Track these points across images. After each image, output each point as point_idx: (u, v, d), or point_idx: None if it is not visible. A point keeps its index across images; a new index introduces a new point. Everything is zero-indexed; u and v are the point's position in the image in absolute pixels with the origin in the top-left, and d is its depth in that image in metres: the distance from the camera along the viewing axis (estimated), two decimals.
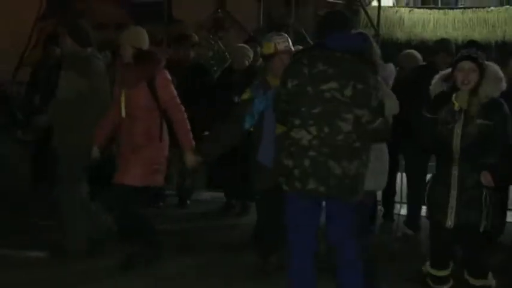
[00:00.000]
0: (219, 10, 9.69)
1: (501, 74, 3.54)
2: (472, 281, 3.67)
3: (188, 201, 6.86)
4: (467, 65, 3.47)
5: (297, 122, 3.23)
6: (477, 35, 8.48)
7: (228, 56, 7.84)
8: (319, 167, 3.17)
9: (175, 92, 4.51)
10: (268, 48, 4.24)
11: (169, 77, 4.53)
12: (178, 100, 4.50)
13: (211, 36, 9.24)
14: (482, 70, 3.47)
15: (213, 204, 6.97)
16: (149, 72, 4.40)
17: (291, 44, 4.36)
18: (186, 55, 6.50)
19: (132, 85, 4.41)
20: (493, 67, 3.59)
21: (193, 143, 4.44)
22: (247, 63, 6.10)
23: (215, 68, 7.82)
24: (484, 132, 3.43)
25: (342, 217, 3.34)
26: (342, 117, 3.17)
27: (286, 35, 4.50)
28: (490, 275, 3.70)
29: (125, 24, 10.64)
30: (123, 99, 4.45)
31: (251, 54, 6.16)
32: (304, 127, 3.20)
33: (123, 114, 4.45)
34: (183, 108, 4.49)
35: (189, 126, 4.46)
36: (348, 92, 3.17)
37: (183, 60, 6.41)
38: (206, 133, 5.09)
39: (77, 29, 4.77)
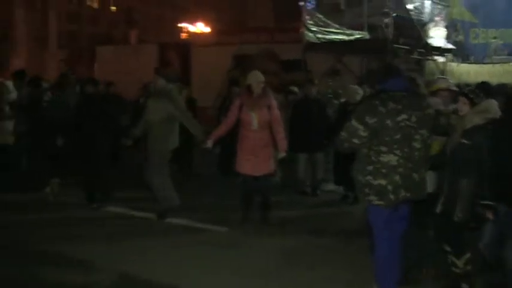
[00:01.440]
0: (337, 62, 14.25)
1: (489, 107, 4.15)
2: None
3: (318, 191, 8.44)
4: (461, 99, 4.27)
5: (384, 148, 3.84)
6: (504, 80, 10.82)
7: (341, 93, 10.29)
8: (407, 179, 3.84)
9: (279, 113, 6.32)
10: (435, 87, 5.02)
11: (276, 103, 6.38)
12: (280, 118, 6.31)
13: (330, 80, 13.76)
14: (472, 104, 4.17)
15: (335, 195, 8.24)
16: (267, 100, 6.25)
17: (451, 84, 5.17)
18: (312, 92, 8.63)
19: (259, 108, 6.19)
20: (485, 103, 4.20)
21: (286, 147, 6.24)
22: (358, 98, 7.43)
23: (334, 101, 10.04)
24: (463, 149, 4.07)
25: (410, 214, 4.10)
26: (414, 139, 3.86)
27: (447, 78, 6.18)
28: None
29: (279, 72, 16.22)
30: (255, 116, 6.14)
31: (361, 92, 7.58)
32: (391, 151, 3.82)
33: (256, 127, 6.18)
34: (282, 123, 6.37)
35: (283, 135, 6.28)
36: (413, 119, 3.86)
37: (308, 95, 8.60)
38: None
39: (164, 71, 6.78)
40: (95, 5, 61.00)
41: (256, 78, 6.25)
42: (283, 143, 6.24)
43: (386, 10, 11.99)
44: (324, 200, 8.15)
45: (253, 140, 6.15)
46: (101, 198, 7.28)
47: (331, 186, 8.47)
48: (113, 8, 61.95)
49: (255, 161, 6.15)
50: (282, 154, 6.29)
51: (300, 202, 7.94)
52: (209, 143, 6.36)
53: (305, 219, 6.95)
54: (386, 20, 11.86)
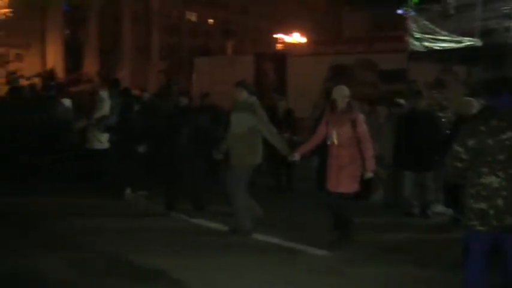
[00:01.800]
0: (444, 71, 13.26)
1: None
2: None
3: (429, 213, 7.80)
4: None
5: (485, 169, 3.64)
6: None
7: (446, 105, 9.52)
8: (511, 203, 3.58)
9: (366, 129, 5.92)
10: None
11: (363, 118, 5.97)
12: (367, 134, 5.90)
13: (435, 92, 12.83)
14: None
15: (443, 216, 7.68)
16: (351, 115, 5.90)
17: None
18: (421, 104, 8.20)
19: (341, 124, 5.88)
20: None
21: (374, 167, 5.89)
22: (473, 111, 6.90)
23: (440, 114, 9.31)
24: None
25: None
26: None
27: None
28: None
29: (377, 82, 15.48)
30: (335, 132, 5.87)
31: (476, 104, 7.07)
32: (493, 173, 3.60)
33: (336, 143, 5.90)
34: (370, 140, 5.94)
35: (372, 153, 5.89)
36: None
37: (416, 107, 8.11)
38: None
39: (247, 85, 6.47)
40: (194, 18, 63.02)
41: (340, 93, 5.95)
42: (370, 162, 5.91)
43: (507, 10, 11.02)
44: (435, 223, 7.52)
45: (336, 157, 5.91)
46: (194, 210, 7.31)
47: (441, 208, 7.88)
48: (211, 20, 63.69)
49: (338, 178, 5.88)
50: (369, 174, 5.92)
51: (407, 225, 7.35)
52: (296, 157, 6.17)
53: (411, 244, 6.41)
54: (507, 24, 10.94)
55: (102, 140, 8.62)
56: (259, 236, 6.35)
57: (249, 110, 6.26)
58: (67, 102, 9.93)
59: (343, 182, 5.83)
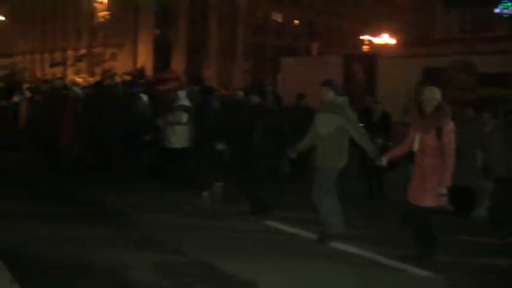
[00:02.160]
0: None
1: None
2: None
3: None
4: None
5: None
6: None
7: None
8: None
9: (453, 140, 5.19)
10: None
11: (452, 127, 5.18)
12: (453, 146, 5.16)
13: None
14: None
15: None
16: (439, 122, 5.18)
17: None
18: None
19: (426, 130, 5.23)
20: None
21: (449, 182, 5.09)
22: None
23: None
24: None
25: None
26: None
27: None
28: None
29: (475, 86, 14.49)
30: (417, 139, 5.27)
31: None
32: None
33: (417, 150, 5.28)
34: (454, 154, 5.17)
35: (451, 168, 5.12)
36: None
37: None
38: None
39: (333, 84, 6.11)
40: (279, 19, 63.19)
41: (428, 95, 5.30)
42: (446, 177, 5.14)
43: None
44: None
45: (420, 166, 5.30)
46: (260, 212, 6.94)
47: None
48: (296, 21, 63.62)
49: (419, 189, 5.26)
50: (442, 190, 5.14)
51: None
52: (383, 161, 5.64)
53: None
54: None
55: (179, 139, 8.55)
56: (346, 246, 5.82)
57: (336, 111, 5.91)
58: (144, 98, 10.02)
59: (424, 194, 5.23)
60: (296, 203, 7.53)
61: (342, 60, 18.54)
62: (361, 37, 48.03)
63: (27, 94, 11.18)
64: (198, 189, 7.86)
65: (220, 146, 7.49)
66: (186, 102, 8.68)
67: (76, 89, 10.45)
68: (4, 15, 49.67)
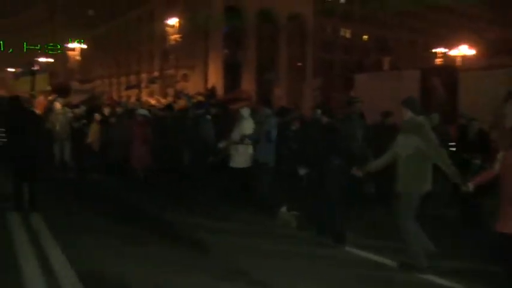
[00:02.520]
0: None
1: None
2: None
3: None
4: None
5: None
6: None
7: None
8: None
9: None
10: None
11: None
12: None
13: None
14: None
15: None
16: None
17: None
18: None
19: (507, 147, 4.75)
20: None
21: None
22: None
23: None
24: None
25: None
26: None
27: None
28: None
29: None
30: (500, 156, 4.74)
31: None
32: None
33: (496, 169, 4.74)
34: None
35: None
36: None
37: None
38: None
39: (411, 103, 5.72)
40: (348, 35, 62.38)
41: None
42: None
43: None
44: None
45: (506, 187, 4.63)
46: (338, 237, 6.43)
47: None
48: (365, 37, 62.59)
49: (506, 215, 4.59)
50: None
51: None
52: (470, 187, 5.06)
53: None
54: None
55: (242, 159, 8.33)
56: (434, 278, 5.26)
57: (414, 130, 5.57)
58: (208, 119, 9.82)
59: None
60: (378, 228, 7.06)
61: (420, 74, 17.55)
62: (435, 50, 46.43)
63: (98, 117, 11.30)
64: (270, 209, 7.51)
65: (301, 171, 6.93)
66: (249, 121, 8.46)
67: (142, 112, 10.37)
68: (85, 43, 52.29)
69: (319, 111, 7.45)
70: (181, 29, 39.55)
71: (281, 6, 44.62)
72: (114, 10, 57.67)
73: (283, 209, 7.36)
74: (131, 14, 54.15)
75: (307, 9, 48.17)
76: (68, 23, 66.54)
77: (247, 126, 8.43)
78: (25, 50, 55.62)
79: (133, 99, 20.43)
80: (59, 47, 51.41)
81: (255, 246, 6.29)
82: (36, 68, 22.54)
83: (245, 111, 8.65)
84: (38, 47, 51.62)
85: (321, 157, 6.54)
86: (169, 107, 11.50)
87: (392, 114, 8.80)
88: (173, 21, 39.14)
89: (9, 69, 41.68)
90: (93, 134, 11.26)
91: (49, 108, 11.83)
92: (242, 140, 8.29)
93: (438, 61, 48.60)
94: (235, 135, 8.35)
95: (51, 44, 51.93)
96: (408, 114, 5.69)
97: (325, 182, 6.44)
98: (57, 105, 11.26)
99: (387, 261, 5.78)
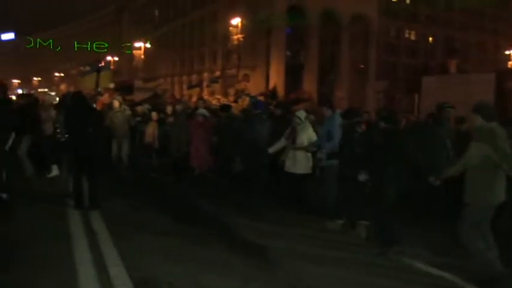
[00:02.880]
0: None
1: None
2: None
3: None
4: None
5: None
6: None
7: None
8: None
9: None
10: None
11: None
12: None
13: None
14: None
15: None
16: None
17: None
18: None
19: None
20: None
21: None
22: None
23: None
24: None
25: None
26: None
27: None
28: None
29: None
30: None
31: None
32: None
33: None
34: None
35: None
36: None
37: None
38: None
39: (482, 109, 5.39)
40: (413, 37, 60.50)
41: None
42: None
43: None
44: None
45: None
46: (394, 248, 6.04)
47: None
48: (431, 38, 60.49)
49: None
50: None
51: None
52: None
53: None
54: None
55: (301, 165, 8.11)
56: None
57: (484, 138, 5.28)
58: (265, 120, 9.45)
59: None
60: (443, 240, 6.61)
61: (495, 77, 16.41)
62: (508, 52, 44.07)
63: (155, 116, 11.15)
64: (330, 217, 7.19)
65: (362, 177, 6.51)
66: (306, 123, 8.28)
67: (202, 112, 10.16)
68: (149, 43, 53.49)
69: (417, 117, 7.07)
70: (243, 29, 39.51)
71: (344, 6, 43.70)
72: (179, 10, 58.62)
73: (363, 222, 6.84)
74: (194, 14, 54.81)
75: (371, 9, 46.92)
76: (134, 23, 68.47)
77: (307, 130, 8.23)
78: (94, 48, 57.71)
79: (194, 98, 20.42)
80: (129, 45, 53.02)
81: (314, 254, 5.97)
82: (101, 65, 22.97)
83: (301, 114, 8.37)
84: (106, 46, 53.39)
85: (379, 163, 6.20)
86: (224, 107, 11.17)
87: (466, 121, 8.18)
88: (236, 21, 39.12)
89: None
90: (151, 132, 11.15)
91: (108, 106, 11.83)
92: (306, 147, 8.03)
93: (511, 64, 46.11)
94: (301, 140, 8.13)
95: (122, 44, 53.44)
96: (478, 121, 5.36)
97: (381, 190, 6.08)
98: (116, 103, 11.22)
99: (447, 275, 5.43)
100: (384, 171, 6.08)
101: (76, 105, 7.59)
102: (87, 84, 19.88)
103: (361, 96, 42.59)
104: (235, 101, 18.21)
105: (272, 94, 27.39)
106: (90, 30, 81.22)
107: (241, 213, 7.69)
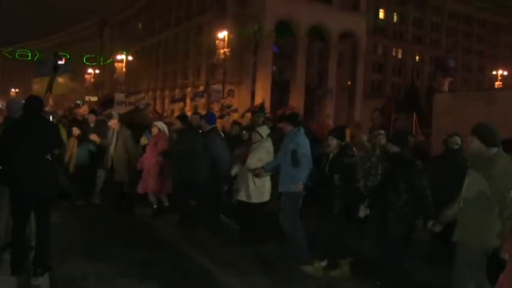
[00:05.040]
0: None
1: None
2: None
3: None
4: None
5: None
6: None
7: None
8: None
9: None
10: None
11: None
12: None
13: None
14: None
15: None
16: None
17: None
18: None
19: None
20: None
21: None
22: None
23: None
24: None
25: None
26: None
27: None
28: None
29: None
30: None
31: None
32: None
33: None
34: None
35: None
36: None
37: None
38: None
39: (482, 131, 4.64)
40: (400, 56, 59.96)
41: None
42: None
43: None
44: None
45: None
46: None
47: None
48: (417, 57, 60.10)
49: None
50: None
51: None
52: None
53: None
54: None
55: (258, 193, 6.81)
56: None
57: (480, 167, 4.54)
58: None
59: None
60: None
61: None
62: (495, 72, 43.67)
63: (76, 131, 8.99)
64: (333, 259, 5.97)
65: (362, 213, 5.82)
66: (267, 142, 6.83)
67: (160, 125, 8.36)
68: (132, 56, 51.47)
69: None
70: (230, 43, 37.92)
71: (333, 23, 42.61)
72: (163, 23, 56.98)
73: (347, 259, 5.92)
74: (180, 27, 53.24)
75: (359, 27, 45.80)
76: (117, 36, 66.61)
77: (261, 150, 6.76)
78: (84, 61, 55.52)
79: (177, 113, 18.44)
80: (105, 57, 51.02)
81: None
82: (60, 62, 20.16)
83: (263, 130, 6.94)
84: (100, 59, 51.10)
85: (380, 193, 5.54)
86: (182, 118, 8.49)
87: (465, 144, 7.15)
88: (223, 34, 37.48)
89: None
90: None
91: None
92: (253, 170, 6.54)
93: (498, 84, 45.50)
94: (252, 161, 6.69)
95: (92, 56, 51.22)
96: (475, 144, 4.58)
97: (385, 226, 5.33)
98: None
99: None
100: (390, 206, 5.34)
101: (24, 118, 5.36)
102: (38, 86, 17.00)
103: (348, 113, 41.65)
104: (221, 117, 16.76)
105: (260, 110, 25.63)
106: (71, 42, 79.48)
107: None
